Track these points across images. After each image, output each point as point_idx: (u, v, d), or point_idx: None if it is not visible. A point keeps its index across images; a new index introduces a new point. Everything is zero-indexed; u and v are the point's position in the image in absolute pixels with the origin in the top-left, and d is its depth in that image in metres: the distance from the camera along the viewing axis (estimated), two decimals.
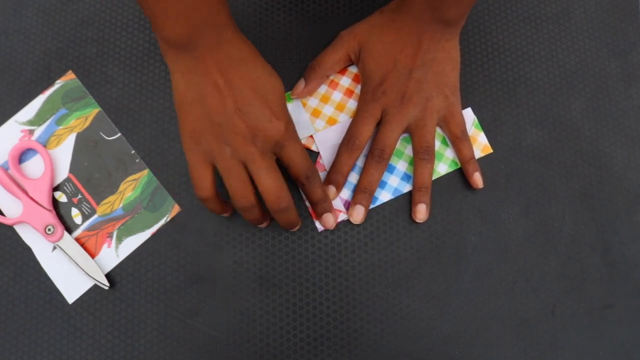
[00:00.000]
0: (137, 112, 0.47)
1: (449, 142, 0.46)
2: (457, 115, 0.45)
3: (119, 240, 0.44)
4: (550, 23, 0.50)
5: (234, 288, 0.44)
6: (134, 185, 0.45)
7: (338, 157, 0.44)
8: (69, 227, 0.44)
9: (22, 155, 0.45)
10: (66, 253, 0.43)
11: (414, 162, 0.45)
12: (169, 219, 0.45)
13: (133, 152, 0.46)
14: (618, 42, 0.50)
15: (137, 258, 0.44)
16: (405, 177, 0.46)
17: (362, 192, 0.44)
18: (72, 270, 0.44)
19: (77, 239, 0.44)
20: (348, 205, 0.45)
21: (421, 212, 0.44)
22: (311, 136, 0.46)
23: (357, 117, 0.44)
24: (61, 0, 0.49)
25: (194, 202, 0.45)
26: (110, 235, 0.44)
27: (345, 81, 0.47)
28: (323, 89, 0.47)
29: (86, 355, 0.43)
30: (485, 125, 0.48)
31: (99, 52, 0.48)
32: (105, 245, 0.44)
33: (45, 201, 0.44)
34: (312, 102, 0.47)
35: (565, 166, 0.47)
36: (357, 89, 0.47)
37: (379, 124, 0.45)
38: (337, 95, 0.47)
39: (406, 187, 0.46)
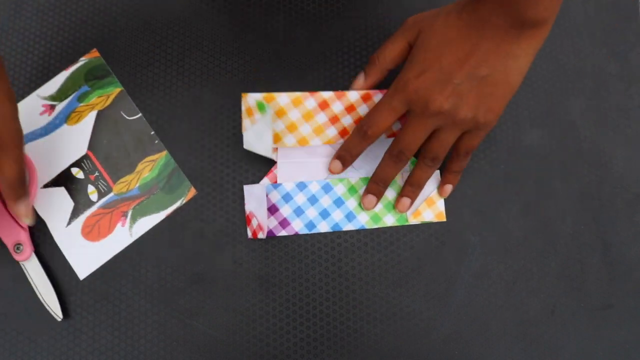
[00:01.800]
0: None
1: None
2: (474, 139, 0.41)
3: (134, 219, 0.44)
4: None
5: (234, 288, 0.44)
6: (151, 166, 0.45)
7: (350, 137, 0.43)
8: (82, 205, 0.45)
9: None
10: (28, 275, 0.43)
11: (417, 161, 0.43)
12: (184, 202, 0.45)
13: (152, 132, 0.46)
14: (618, 42, 0.50)
15: (137, 258, 0.44)
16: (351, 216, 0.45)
17: (376, 183, 0.44)
18: (86, 247, 0.44)
19: (92, 216, 0.44)
20: (286, 225, 0.44)
21: (404, 206, 0.45)
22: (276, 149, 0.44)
23: (379, 104, 0.41)
24: (61, 0, 0.49)
25: (197, 201, 0.45)
26: (125, 214, 0.44)
27: (337, 106, 0.43)
28: (312, 104, 0.43)
29: (86, 355, 0.43)
30: None
31: (100, 52, 0.48)
32: (119, 224, 0.44)
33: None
34: (294, 114, 0.43)
35: (565, 166, 0.47)
36: (345, 118, 0.43)
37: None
38: (321, 118, 0.43)
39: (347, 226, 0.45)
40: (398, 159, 0.42)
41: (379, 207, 0.45)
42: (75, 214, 0.44)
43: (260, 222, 0.43)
